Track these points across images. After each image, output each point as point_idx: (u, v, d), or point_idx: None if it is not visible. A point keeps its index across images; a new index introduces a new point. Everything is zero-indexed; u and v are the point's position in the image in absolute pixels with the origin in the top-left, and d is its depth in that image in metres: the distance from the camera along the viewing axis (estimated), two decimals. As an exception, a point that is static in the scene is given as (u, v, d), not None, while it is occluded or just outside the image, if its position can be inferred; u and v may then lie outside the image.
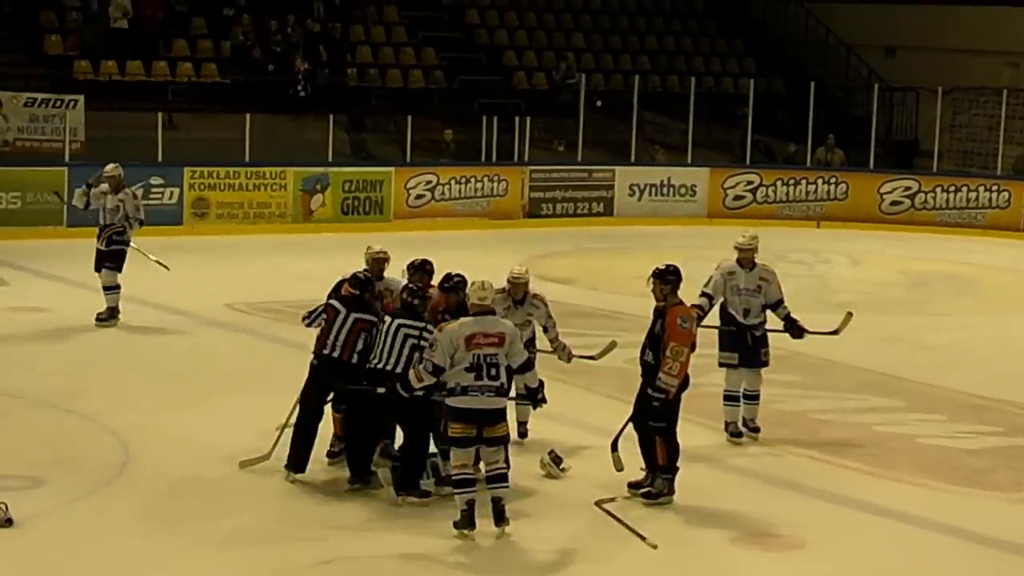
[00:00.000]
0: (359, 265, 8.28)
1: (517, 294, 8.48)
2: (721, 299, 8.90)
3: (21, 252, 14.76)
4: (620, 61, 23.45)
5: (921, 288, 15.79)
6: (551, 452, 8.26)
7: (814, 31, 24.18)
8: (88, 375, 10.25)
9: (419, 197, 18.62)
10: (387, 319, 7.66)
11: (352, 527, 7.32)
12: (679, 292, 7.72)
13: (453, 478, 7.20)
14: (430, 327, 7.48)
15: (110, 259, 11.69)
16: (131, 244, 11.92)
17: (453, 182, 18.83)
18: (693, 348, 7.74)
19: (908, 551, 7.37)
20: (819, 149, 20.71)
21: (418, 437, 7.65)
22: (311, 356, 7.90)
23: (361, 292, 7.81)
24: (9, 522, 6.97)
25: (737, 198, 20.23)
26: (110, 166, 12.11)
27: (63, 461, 8.12)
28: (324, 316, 7.82)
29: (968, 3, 22.61)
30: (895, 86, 22.15)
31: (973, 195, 19.89)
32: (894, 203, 20.07)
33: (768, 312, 8.93)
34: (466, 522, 7.10)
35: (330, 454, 8.16)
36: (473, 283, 7.31)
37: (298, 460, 7.87)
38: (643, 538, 7.17)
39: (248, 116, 17.90)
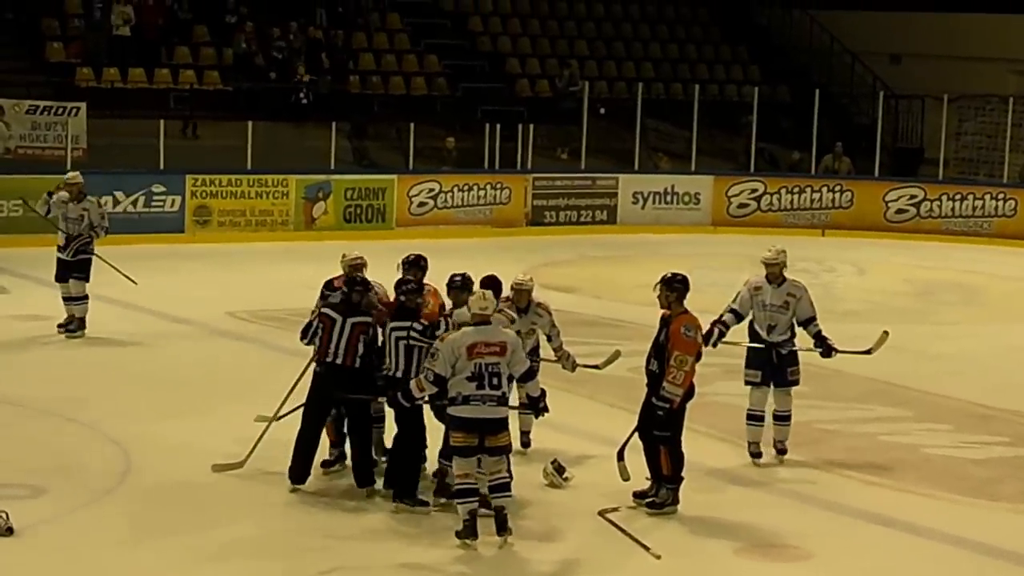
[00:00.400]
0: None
1: (521, 302, 8.43)
2: (750, 315, 8.64)
3: (22, 260, 14.72)
4: (624, 68, 23.43)
5: (927, 297, 15.73)
6: (554, 461, 8.21)
7: (819, 38, 24.14)
8: (89, 383, 10.22)
9: (421, 205, 18.58)
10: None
11: (354, 537, 7.28)
12: (685, 302, 7.65)
13: (455, 488, 7.16)
14: (417, 324, 7.48)
15: (78, 269, 11.53)
16: (95, 254, 11.75)
17: (456, 190, 18.79)
18: (699, 357, 7.68)
19: (915, 562, 7.31)
20: (826, 157, 20.65)
21: (412, 445, 7.60)
22: (313, 366, 7.85)
23: (350, 291, 7.76)
24: (10, 531, 6.95)
25: (741, 206, 20.17)
26: (71, 174, 11.96)
27: (64, 469, 8.10)
28: (321, 326, 7.77)
29: (974, 10, 22.56)
30: (900, 94, 22.10)
31: (979, 203, 19.82)
32: (899, 211, 20.01)
33: (800, 329, 8.63)
34: (468, 532, 7.06)
35: (325, 463, 8.13)
36: (475, 292, 7.26)
37: (300, 471, 7.83)
38: (647, 548, 7.12)
39: (250, 123, 17.89)
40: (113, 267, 12.09)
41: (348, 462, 8.09)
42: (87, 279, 11.57)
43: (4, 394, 9.77)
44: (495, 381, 7.03)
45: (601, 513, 7.59)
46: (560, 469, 8.16)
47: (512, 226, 19.03)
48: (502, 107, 21.05)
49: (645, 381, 7.75)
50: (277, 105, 19.59)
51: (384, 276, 8.32)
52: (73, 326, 11.45)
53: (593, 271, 16.62)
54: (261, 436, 8.16)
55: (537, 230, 19.10)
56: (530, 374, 7.34)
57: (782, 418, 8.67)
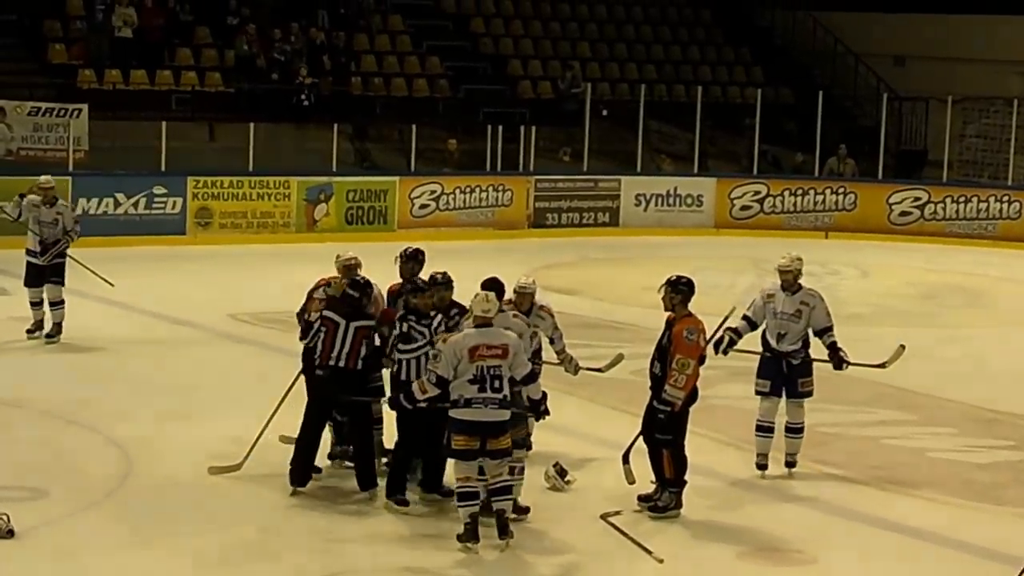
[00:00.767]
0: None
1: (523, 305, 8.38)
2: (764, 323, 8.47)
3: (22, 262, 14.67)
4: (626, 70, 23.39)
5: (931, 300, 15.68)
6: (556, 464, 8.17)
7: (822, 40, 24.10)
8: (90, 385, 10.19)
9: (423, 207, 18.55)
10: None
11: (355, 540, 7.24)
12: (690, 304, 7.59)
13: (456, 491, 7.12)
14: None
15: (55, 274, 11.34)
16: (69, 256, 11.59)
17: (458, 192, 18.75)
18: (702, 361, 7.64)
19: (919, 567, 7.28)
20: (831, 159, 20.60)
21: (412, 446, 7.58)
22: (315, 369, 7.81)
23: (360, 296, 7.73)
24: (11, 533, 6.93)
25: (744, 208, 20.13)
26: (44, 177, 11.78)
27: (65, 472, 8.08)
28: (324, 329, 7.73)
29: (978, 12, 22.50)
30: (904, 95, 22.05)
31: (983, 206, 19.77)
32: (903, 214, 19.96)
33: (815, 340, 8.42)
34: (469, 535, 7.02)
35: (331, 455, 8.16)
36: (476, 295, 7.21)
37: (301, 474, 7.80)
38: (649, 552, 7.09)
39: (252, 125, 17.87)
40: (89, 269, 11.92)
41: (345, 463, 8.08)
42: (63, 283, 11.42)
43: (5, 396, 9.75)
44: (496, 384, 6.99)
45: (603, 517, 7.55)
46: (562, 472, 8.12)
47: (514, 228, 18.99)
48: (504, 109, 21.02)
49: (648, 384, 7.70)
50: (279, 107, 19.55)
51: (385, 278, 8.29)
52: (52, 331, 11.25)
53: (595, 273, 16.58)
54: (258, 438, 8.14)
55: (539, 232, 19.06)
56: (531, 377, 7.30)
57: (794, 431, 8.42)
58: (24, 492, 7.63)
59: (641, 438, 7.72)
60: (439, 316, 7.62)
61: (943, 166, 20.36)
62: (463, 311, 7.60)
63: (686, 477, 7.68)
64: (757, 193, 20.16)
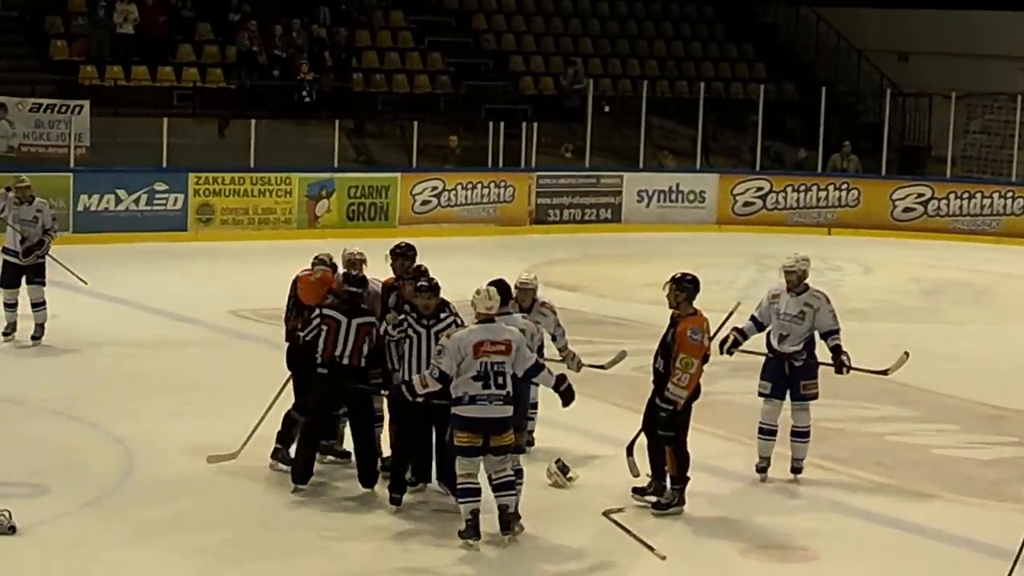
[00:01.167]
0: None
1: (524, 301, 8.36)
2: (770, 324, 8.34)
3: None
4: (628, 66, 23.34)
5: (934, 296, 15.64)
6: (558, 461, 8.15)
7: (825, 36, 24.04)
8: (92, 382, 10.18)
9: (425, 203, 18.52)
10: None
11: (357, 537, 7.22)
12: (694, 302, 7.55)
13: (457, 487, 7.10)
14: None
15: (37, 274, 11.09)
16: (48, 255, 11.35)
17: (459, 188, 18.72)
18: (705, 360, 7.60)
19: (922, 563, 7.25)
20: (834, 156, 20.56)
21: (402, 442, 7.59)
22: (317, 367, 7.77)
23: (360, 291, 7.72)
24: (13, 529, 6.93)
25: (747, 204, 20.09)
26: (19, 175, 11.51)
27: (67, 469, 8.08)
28: (325, 327, 7.70)
29: (982, 8, 22.44)
30: (908, 91, 22.00)
31: (987, 202, 19.73)
32: (907, 210, 19.91)
33: (821, 342, 8.28)
34: (471, 532, 6.99)
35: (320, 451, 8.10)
36: (479, 291, 7.16)
37: (302, 471, 7.77)
38: (652, 549, 7.06)
39: (253, 121, 17.85)
40: (64, 267, 11.71)
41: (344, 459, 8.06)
42: (45, 283, 11.17)
43: (7, 393, 9.75)
44: (500, 380, 6.96)
45: (606, 514, 7.53)
46: (564, 469, 8.10)
47: (516, 224, 18.96)
48: (506, 105, 20.98)
49: (651, 379, 7.67)
50: (280, 103, 19.53)
51: (386, 275, 8.26)
52: (36, 333, 11.06)
53: (597, 270, 16.55)
54: (255, 428, 8.13)
55: (541, 228, 19.03)
56: (537, 368, 7.27)
57: (798, 435, 8.24)
58: (25, 489, 7.62)
59: (643, 429, 7.69)
60: (450, 318, 7.54)
61: (946, 162, 20.31)
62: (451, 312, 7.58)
63: (688, 474, 7.65)
64: (760, 189, 20.11)
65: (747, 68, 24.10)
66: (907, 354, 8.42)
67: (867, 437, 9.42)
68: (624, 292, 14.48)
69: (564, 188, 19.52)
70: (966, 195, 19.78)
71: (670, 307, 7.61)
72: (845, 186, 20.16)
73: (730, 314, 8.25)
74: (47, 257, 11.25)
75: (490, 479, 7.05)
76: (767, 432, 8.27)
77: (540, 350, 8.52)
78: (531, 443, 8.52)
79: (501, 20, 23.34)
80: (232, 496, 7.74)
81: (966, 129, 20.99)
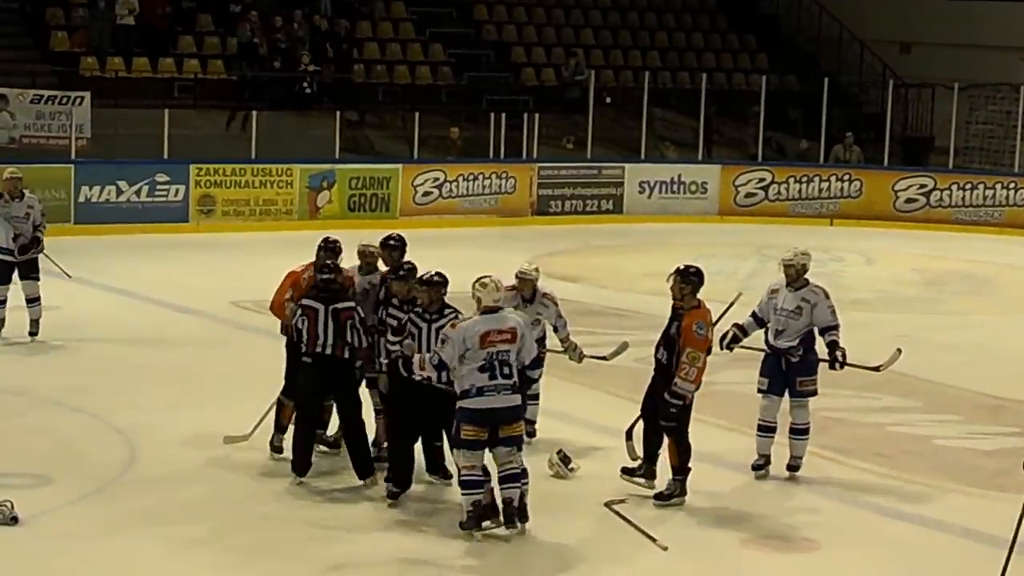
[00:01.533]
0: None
1: (526, 291, 8.36)
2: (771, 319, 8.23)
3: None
4: (630, 57, 23.30)
5: (936, 287, 15.63)
6: (560, 452, 8.14)
7: (827, 27, 23.99)
8: (93, 373, 10.17)
9: (426, 194, 18.50)
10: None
11: (358, 529, 7.21)
12: (698, 295, 7.53)
13: (460, 479, 7.07)
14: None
15: (32, 269, 10.90)
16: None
17: (461, 179, 18.70)
18: (708, 352, 7.58)
19: (924, 554, 7.24)
20: (837, 147, 20.53)
21: (398, 433, 7.58)
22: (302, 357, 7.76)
23: (334, 278, 7.68)
24: (15, 520, 6.94)
25: (749, 195, 20.06)
26: (11, 169, 11.24)
27: (69, 459, 8.08)
28: (305, 317, 7.67)
29: (984, -2, 22.42)
30: (910, 82, 21.96)
31: (990, 192, 19.70)
32: (909, 201, 19.89)
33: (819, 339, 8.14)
34: (472, 523, 6.98)
35: (278, 449, 8.14)
36: (487, 284, 7.10)
37: (301, 463, 7.77)
38: (653, 539, 7.06)
39: (255, 113, 17.82)
40: (50, 259, 11.51)
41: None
42: (39, 278, 10.98)
43: (8, 384, 9.75)
44: (506, 370, 6.93)
45: (608, 504, 7.52)
46: (566, 459, 8.09)
47: (517, 215, 18.95)
48: (507, 96, 20.95)
49: (652, 367, 7.65)
50: (281, 94, 19.51)
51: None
52: (33, 329, 10.90)
53: (599, 261, 16.54)
54: (267, 412, 8.14)
55: (542, 219, 19.01)
56: (537, 362, 7.26)
57: (796, 432, 8.12)
58: (27, 479, 7.63)
59: (642, 414, 7.69)
60: (453, 315, 7.46)
61: (949, 153, 20.28)
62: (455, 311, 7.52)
63: (690, 465, 7.64)
64: (762, 180, 20.09)
65: (749, 59, 24.05)
66: (899, 351, 8.36)
67: (868, 427, 9.41)
68: (626, 283, 14.47)
69: (566, 179, 19.50)
70: (968, 186, 19.75)
71: (674, 299, 7.58)
72: (847, 177, 20.13)
73: (731, 305, 8.22)
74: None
75: (497, 471, 7.01)
76: (765, 429, 8.15)
77: (542, 341, 8.54)
78: (533, 434, 8.51)
79: (502, 11, 23.30)
80: (233, 487, 7.74)
81: (968, 120, 20.96)
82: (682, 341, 7.43)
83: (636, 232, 18.55)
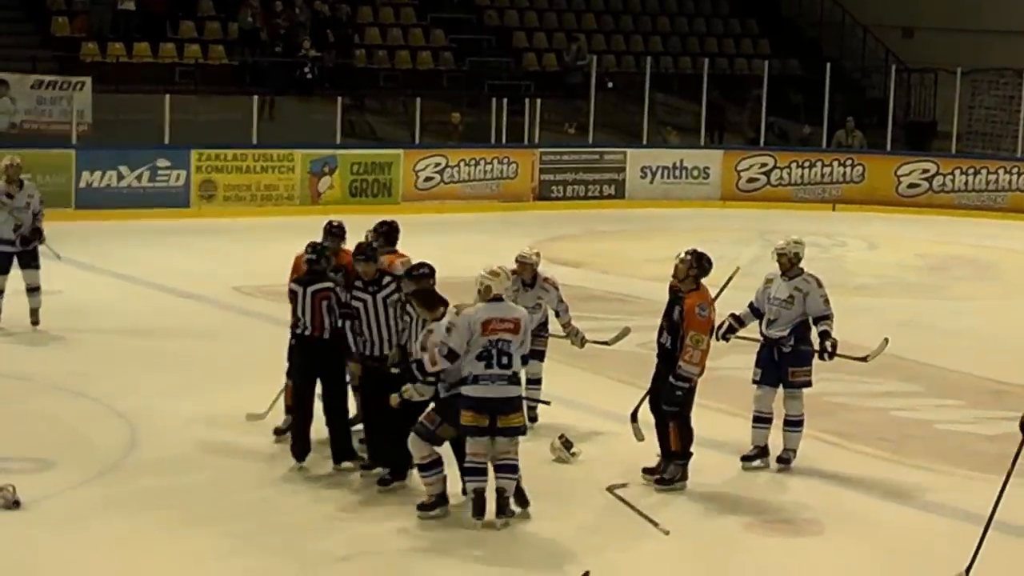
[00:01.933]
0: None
1: (525, 275, 8.35)
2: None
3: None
4: (632, 42, 23.25)
5: (939, 272, 15.61)
6: (561, 436, 8.13)
7: (830, 11, 23.94)
8: (95, 358, 10.17)
9: (428, 179, 18.47)
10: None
11: (359, 515, 7.18)
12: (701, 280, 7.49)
13: (464, 465, 7.05)
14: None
15: (34, 258, 10.76)
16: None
17: (462, 164, 18.67)
18: (712, 333, 7.56)
19: (926, 538, 7.23)
20: (839, 132, 20.50)
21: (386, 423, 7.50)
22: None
23: (318, 259, 7.66)
24: (17, 504, 6.94)
25: (751, 180, 20.03)
26: (11, 156, 10.98)
27: (70, 444, 8.08)
28: (291, 301, 7.70)
29: (988, -17, 22.33)
30: (913, 67, 21.90)
31: (993, 177, 19.66)
32: (912, 185, 19.86)
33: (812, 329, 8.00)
34: (474, 511, 6.95)
35: (277, 431, 8.12)
36: (499, 273, 7.03)
37: (300, 448, 7.76)
38: (656, 524, 7.05)
39: (256, 98, 17.79)
40: (47, 246, 11.16)
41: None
42: (39, 267, 10.82)
43: (11, 369, 9.75)
44: (504, 360, 6.89)
45: (610, 489, 7.51)
46: (568, 444, 8.08)
47: (519, 201, 18.92)
48: (509, 81, 20.91)
49: (656, 353, 7.62)
50: (282, 80, 19.47)
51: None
52: (36, 319, 10.77)
53: (601, 246, 16.52)
54: (281, 392, 8.13)
55: (544, 205, 18.99)
56: (533, 354, 7.25)
57: (789, 423, 8.00)
58: (29, 464, 7.62)
59: (649, 407, 7.66)
60: (392, 283, 7.44)
61: (952, 138, 20.24)
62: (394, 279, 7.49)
63: (692, 449, 7.63)
64: (764, 165, 20.05)
65: (751, 44, 23.99)
66: (887, 340, 8.33)
67: (871, 412, 9.40)
68: (627, 268, 14.45)
69: (567, 164, 19.47)
70: (971, 171, 19.71)
71: (675, 277, 7.54)
72: (850, 162, 20.10)
73: (729, 280, 8.16)
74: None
75: (494, 459, 6.98)
76: (758, 420, 8.06)
77: (544, 326, 8.53)
78: (534, 419, 8.49)
79: (504, -4, 23.25)
80: (233, 471, 7.73)
81: (971, 105, 20.90)
82: (685, 324, 7.41)
83: (638, 217, 18.53)
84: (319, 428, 7.79)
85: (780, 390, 8.10)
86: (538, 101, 19.55)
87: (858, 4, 23.43)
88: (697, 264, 7.50)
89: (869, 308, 11.11)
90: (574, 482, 7.71)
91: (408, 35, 21.68)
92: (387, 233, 8.20)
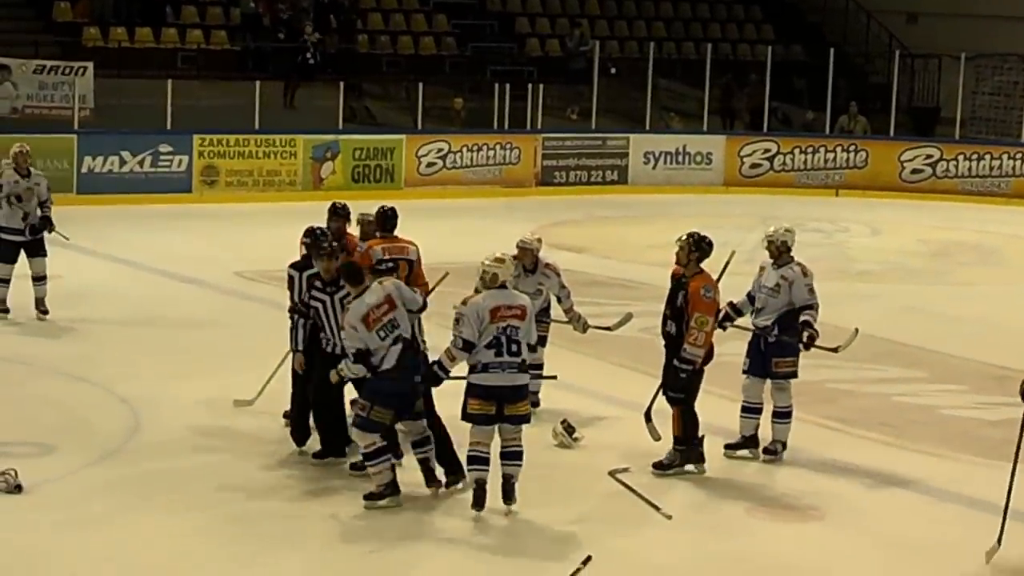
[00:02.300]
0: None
1: (526, 261, 8.33)
2: None
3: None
4: (635, 28, 23.19)
5: (943, 257, 15.58)
6: (564, 422, 8.12)
7: (833, -3, 23.87)
8: (98, 343, 10.18)
9: (430, 165, 18.44)
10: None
11: (359, 499, 7.14)
12: (703, 264, 7.47)
13: (468, 454, 6.98)
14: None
15: (41, 248, 10.64)
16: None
17: (465, 150, 18.64)
18: (717, 316, 7.53)
19: (930, 523, 7.22)
20: (842, 117, 20.44)
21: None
22: None
23: (309, 240, 7.57)
24: (19, 488, 6.95)
25: (754, 166, 19.99)
26: (20, 144, 10.86)
27: (73, 428, 8.08)
28: (288, 284, 7.70)
29: (991, -33, 22.24)
30: (916, 53, 21.83)
31: (996, 163, 19.61)
32: (915, 171, 19.81)
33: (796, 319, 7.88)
34: (475, 501, 6.90)
35: (287, 415, 8.05)
36: (504, 260, 6.99)
37: (300, 433, 7.76)
38: (658, 508, 7.05)
39: (258, 83, 17.76)
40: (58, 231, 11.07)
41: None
42: (47, 255, 10.73)
43: (14, 353, 9.76)
44: (514, 347, 6.85)
45: (612, 473, 7.50)
46: (570, 429, 8.07)
47: (521, 186, 18.89)
48: (511, 67, 20.86)
49: (662, 343, 7.58)
50: (285, 65, 19.42)
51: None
52: (45, 308, 10.69)
53: (603, 231, 16.50)
54: (271, 377, 8.15)
55: (547, 190, 18.96)
56: (540, 342, 7.24)
57: (776, 415, 7.91)
58: (31, 448, 7.63)
59: (664, 398, 7.61)
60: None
61: (955, 123, 20.19)
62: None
63: (700, 434, 7.59)
64: (767, 151, 20.01)
65: (755, 29, 23.92)
66: (857, 331, 8.29)
67: (874, 398, 9.38)
68: (630, 254, 14.43)
69: (570, 150, 19.43)
70: (975, 156, 19.66)
71: (678, 263, 7.51)
72: (853, 148, 20.05)
73: (726, 265, 8.11)
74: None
75: (500, 447, 6.94)
76: (746, 409, 7.97)
77: (546, 312, 8.52)
78: (537, 404, 8.48)
79: (507, -19, 23.19)
80: (235, 456, 7.72)
81: (975, 90, 20.85)
82: (690, 307, 7.37)
83: (641, 203, 18.50)
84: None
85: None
86: (541, 87, 19.50)
87: (861, -11, 23.36)
88: (697, 247, 7.47)
89: (872, 294, 11.08)
90: (576, 467, 7.70)
91: (411, 20, 21.63)
92: (382, 219, 8.15)
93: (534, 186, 19.07)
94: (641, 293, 11.58)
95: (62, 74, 17.31)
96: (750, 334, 8.03)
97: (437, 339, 7.59)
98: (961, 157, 19.68)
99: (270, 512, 6.98)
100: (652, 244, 13.94)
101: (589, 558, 5.88)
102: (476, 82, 20.25)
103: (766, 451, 7.96)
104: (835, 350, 8.24)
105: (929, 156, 19.79)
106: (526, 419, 7.01)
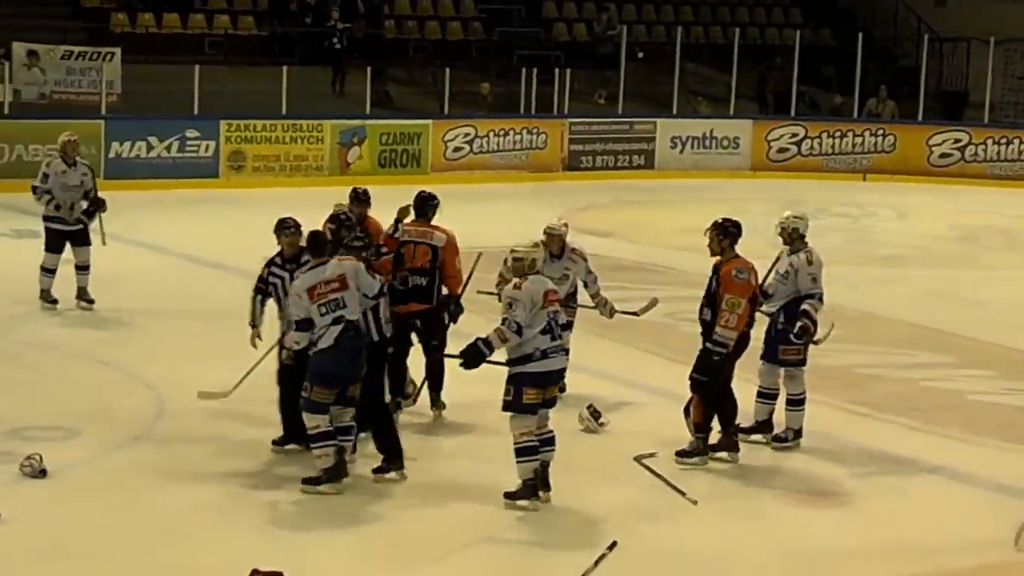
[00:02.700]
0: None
1: (553, 247, 8.30)
2: None
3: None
4: (662, 12, 23.09)
5: (971, 242, 15.47)
6: (590, 406, 8.12)
7: (862, -20, 23.70)
8: (123, 327, 10.24)
9: (457, 150, 18.43)
10: None
11: (385, 490, 7.14)
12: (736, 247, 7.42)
13: (518, 446, 6.83)
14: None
15: (86, 237, 10.62)
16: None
17: (492, 135, 18.62)
18: (753, 300, 7.44)
19: (956, 508, 7.18)
20: (870, 101, 20.32)
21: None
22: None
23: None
24: (43, 473, 6.97)
25: (781, 151, 19.89)
26: (68, 134, 10.75)
27: (97, 412, 8.10)
28: None
29: (1021, -51, 22.02)
30: (945, 36, 21.65)
31: (1025, 147, 19.45)
32: (943, 155, 19.67)
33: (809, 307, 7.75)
34: (528, 492, 6.81)
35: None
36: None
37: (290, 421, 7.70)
38: (683, 494, 7.03)
39: (285, 68, 17.79)
40: (100, 222, 11.02)
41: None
42: (91, 243, 10.74)
43: (38, 338, 9.81)
44: (559, 332, 6.88)
45: (637, 459, 7.49)
46: (596, 414, 8.07)
47: (548, 171, 18.87)
48: (538, 52, 20.82)
49: (699, 331, 7.51)
50: (312, 50, 19.44)
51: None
52: (89, 296, 10.66)
53: (630, 216, 16.46)
54: (252, 369, 8.04)
55: (574, 175, 18.93)
56: (566, 325, 7.25)
57: (789, 403, 7.82)
58: (56, 432, 7.66)
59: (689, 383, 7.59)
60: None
61: (984, 107, 20.03)
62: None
63: (737, 422, 7.55)
64: (795, 135, 19.91)
65: (783, 13, 23.78)
66: (833, 325, 8.12)
67: (901, 383, 9.34)
68: (657, 239, 14.39)
69: (597, 135, 19.38)
70: (1004, 140, 19.50)
71: (712, 254, 7.47)
72: (881, 132, 19.92)
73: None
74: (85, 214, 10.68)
75: (536, 434, 6.84)
76: (761, 395, 7.90)
77: (573, 297, 8.51)
78: (563, 389, 8.45)
79: (533, -35, 23.11)
80: (260, 442, 7.67)
81: (1004, 74, 20.68)
82: (722, 289, 7.31)
83: (668, 188, 18.45)
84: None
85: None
86: (568, 71, 19.45)
87: (890, -27, 23.18)
88: (724, 233, 7.43)
89: (899, 279, 11.00)
90: (602, 451, 7.69)
91: (438, 5, 21.61)
92: (418, 203, 8.14)
93: (561, 171, 19.04)
94: (667, 278, 11.54)
95: (90, 60, 17.38)
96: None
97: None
98: (990, 141, 19.53)
99: (298, 498, 6.99)
100: (679, 229, 13.90)
101: (615, 543, 5.88)
102: (503, 67, 20.23)
103: (776, 439, 7.86)
104: (816, 343, 7.88)
105: (957, 140, 19.64)
106: (555, 401, 7.04)
